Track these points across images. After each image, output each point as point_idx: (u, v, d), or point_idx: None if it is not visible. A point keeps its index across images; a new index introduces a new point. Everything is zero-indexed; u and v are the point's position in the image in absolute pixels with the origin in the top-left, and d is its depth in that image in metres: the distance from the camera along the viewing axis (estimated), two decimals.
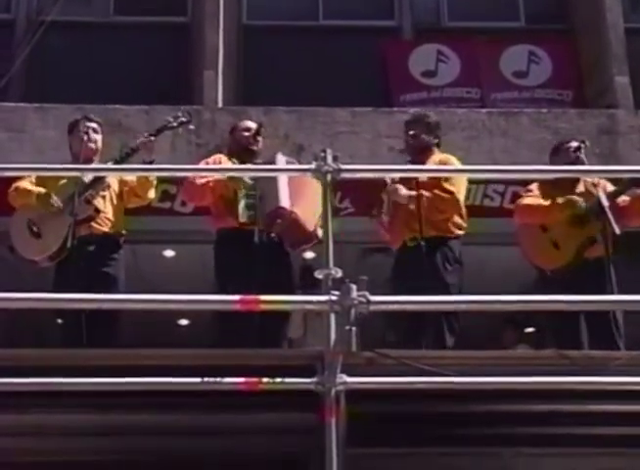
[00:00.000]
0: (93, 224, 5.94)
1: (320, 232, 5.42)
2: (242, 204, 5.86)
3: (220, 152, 6.41)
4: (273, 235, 5.88)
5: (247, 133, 6.22)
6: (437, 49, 9.91)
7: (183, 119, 6.25)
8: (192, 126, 6.46)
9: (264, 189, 5.82)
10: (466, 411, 4.45)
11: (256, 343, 5.38)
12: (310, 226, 5.79)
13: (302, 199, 5.74)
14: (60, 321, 5.85)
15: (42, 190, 5.95)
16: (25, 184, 5.99)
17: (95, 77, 9.49)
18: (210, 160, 6.24)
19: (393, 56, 9.98)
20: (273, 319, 5.50)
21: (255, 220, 5.79)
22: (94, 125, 6.23)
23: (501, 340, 8.43)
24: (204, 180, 5.93)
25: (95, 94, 8.93)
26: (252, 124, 6.32)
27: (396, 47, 10.12)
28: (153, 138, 6.02)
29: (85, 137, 6.06)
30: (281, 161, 5.90)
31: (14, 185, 6.03)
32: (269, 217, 5.78)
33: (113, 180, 6.08)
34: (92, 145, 6.12)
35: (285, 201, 5.71)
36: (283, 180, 5.75)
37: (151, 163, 5.94)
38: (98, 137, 6.21)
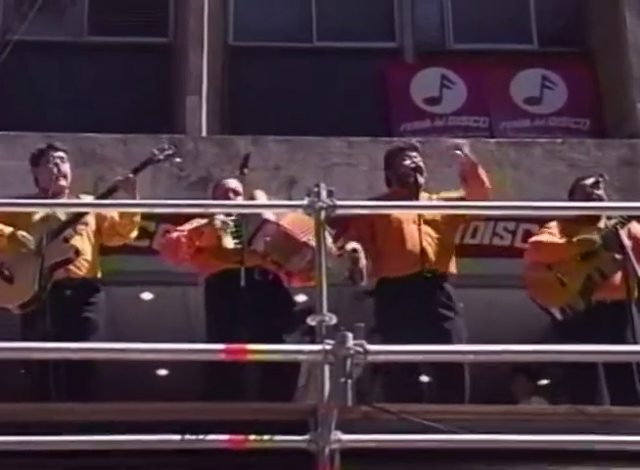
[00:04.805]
0: (71, 267, 5.86)
1: (312, 242, 5.45)
2: (228, 238, 5.87)
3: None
4: (269, 274, 5.89)
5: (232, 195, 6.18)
6: (442, 73, 9.97)
7: (169, 152, 6.19)
8: (179, 159, 6.45)
9: (248, 219, 5.88)
10: None
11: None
12: (300, 236, 5.77)
13: (286, 217, 5.83)
14: (24, 371, 5.78)
15: (11, 230, 5.82)
16: None
17: (67, 103, 9.52)
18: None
19: (394, 81, 10.04)
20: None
21: (242, 250, 5.79)
22: (61, 154, 6.14)
23: (512, 391, 8.42)
24: (176, 234, 5.96)
25: (67, 121, 8.95)
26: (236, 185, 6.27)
27: (397, 71, 10.18)
28: (132, 176, 5.95)
29: (55, 170, 5.98)
30: (260, 196, 5.97)
31: None
32: (256, 234, 5.80)
33: (90, 217, 5.99)
34: (63, 182, 6.04)
35: (269, 215, 5.80)
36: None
37: None
38: (67, 168, 6.13)
